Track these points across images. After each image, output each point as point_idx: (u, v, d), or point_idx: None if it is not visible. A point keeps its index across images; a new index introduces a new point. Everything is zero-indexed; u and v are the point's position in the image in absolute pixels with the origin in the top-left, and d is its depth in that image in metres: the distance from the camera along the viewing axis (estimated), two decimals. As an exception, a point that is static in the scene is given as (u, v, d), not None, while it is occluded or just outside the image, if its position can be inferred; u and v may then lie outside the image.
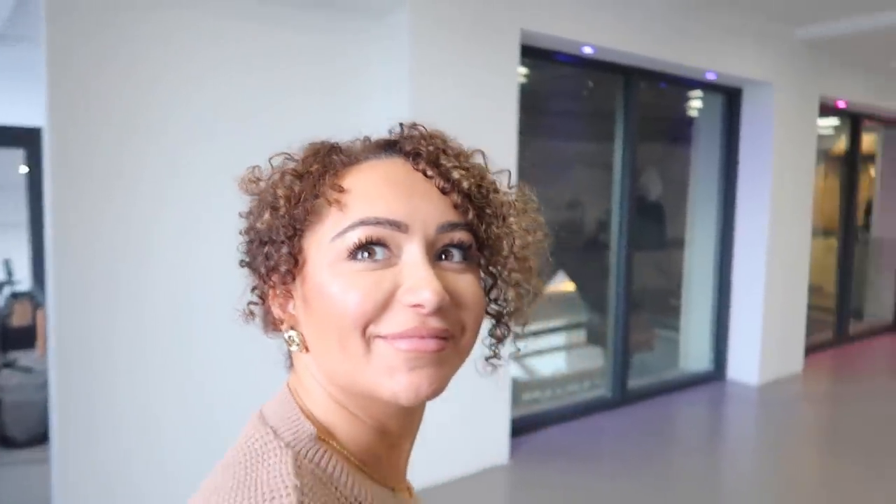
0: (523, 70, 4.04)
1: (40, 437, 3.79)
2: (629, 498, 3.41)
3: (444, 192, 0.55)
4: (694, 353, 5.61)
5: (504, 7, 3.43)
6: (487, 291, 0.61)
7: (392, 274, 0.52)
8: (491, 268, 0.60)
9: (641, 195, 5.45)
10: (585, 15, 3.81)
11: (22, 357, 5.16)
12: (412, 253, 0.52)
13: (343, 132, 2.63)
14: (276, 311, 0.58)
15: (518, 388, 4.81)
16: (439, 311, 0.51)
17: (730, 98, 5.32)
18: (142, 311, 2.71)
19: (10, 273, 5.70)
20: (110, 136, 2.60)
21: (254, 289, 0.59)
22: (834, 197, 6.85)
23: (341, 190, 0.53)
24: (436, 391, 0.53)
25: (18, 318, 6.03)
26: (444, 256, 0.55)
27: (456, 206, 0.55)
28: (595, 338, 5.09)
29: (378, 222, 0.52)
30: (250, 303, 0.59)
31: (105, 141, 2.58)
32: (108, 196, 2.61)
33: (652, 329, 5.78)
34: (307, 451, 0.51)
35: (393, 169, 0.55)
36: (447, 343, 0.53)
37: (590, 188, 4.99)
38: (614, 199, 4.69)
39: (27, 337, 5.69)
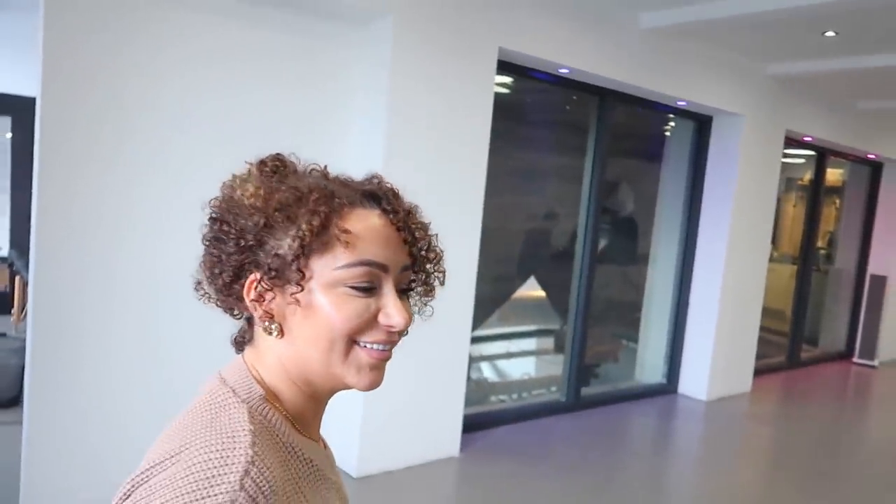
0: (504, 80, 4.24)
1: (12, 400, 3.92)
2: (571, 496, 3.62)
3: (406, 242, 0.78)
4: (649, 366, 5.84)
5: (484, 25, 3.62)
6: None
7: (374, 301, 0.73)
8: (422, 276, 0.83)
9: (615, 209, 5.66)
10: (562, 38, 4.01)
11: (-4, 322, 5.28)
12: (389, 288, 0.74)
13: (322, 129, 2.85)
14: (253, 299, 0.74)
15: (484, 389, 5.01)
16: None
17: (700, 124, 5.56)
18: (114, 281, 2.86)
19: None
20: (99, 109, 2.75)
21: (232, 273, 0.74)
22: (802, 225, 7.14)
23: (348, 232, 0.72)
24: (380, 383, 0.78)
25: (-6, 284, 6.11)
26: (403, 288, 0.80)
27: (410, 253, 0.79)
28: (562, 345, 5.28)
29: (374, 264, 0.72)
30: (227, 282, 0.75)
31: (94, 113, 2.74)
32: (94, 167, 2.76)
33: (618, 340, 6.00)
34: (257, 407, 0.71)
35: (380, 221, 0.75)
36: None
37: (564, 200, 5.19)
38: (581, 212, 4.90)
39: (4, 303, 5.79)
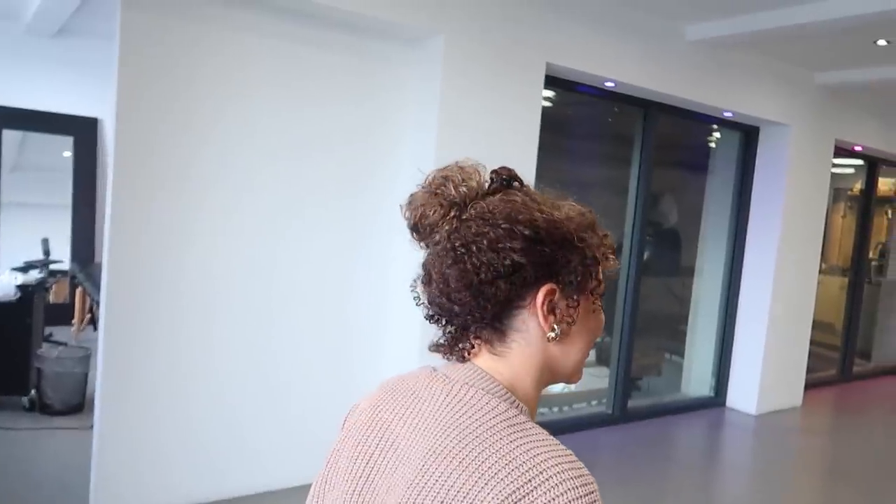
0: (550, 93, 4.29)
1: (76, 407, 4.10)
2: (618, 508, 3.61)
3: None
4: (696, 379, 5.78)
5: (532, 42, 3.69)
6: None
7: None
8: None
9: (659, 221, 5.65)
10: (608, 52, 4.05)
11: (56, 332, 5.50)
12: None
13: (377, 142, 2.96)
14: (547, 309, 0.78)
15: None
16: None
17: (747, 135, 5.51)
18: (181, 297, 2.99)
19: (47, 252, 6.01)
20: (167, 131, 2.90)
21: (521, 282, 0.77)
22: (853, 236, 6.99)
23: (608, 247, 0.83)
24: None
25: (56, 296, 6.38)
26: None
27: None
28: (605, 358, 5.27)
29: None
30: (507, 289, 0.77)
31: (165, 134, 2.89)
32: (163, 184, 2.91)
33: (661, 353, 5.96)
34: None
35: None
36: None
37: (610, 212, 5.20)
38: (627, 224, 4.90)
39: (63, 314, 6.03)
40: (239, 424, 3.19)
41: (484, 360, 0.80)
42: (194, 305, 3.03)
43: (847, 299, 6.91)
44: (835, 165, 5.99)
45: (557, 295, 0.78)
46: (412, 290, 0.83)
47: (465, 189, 0.80)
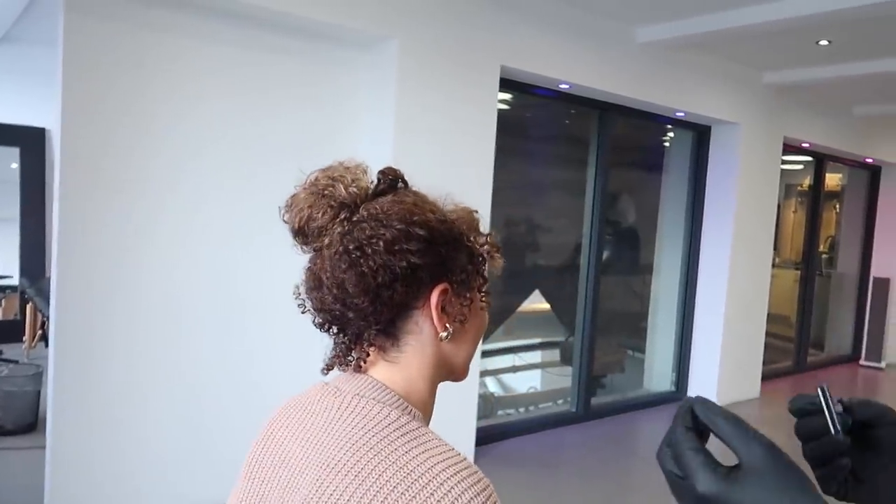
0: (506, 97, 4.32)
1: (28, 427, 3.97)
2: (589, 503, 3.65)
3: None
4: (658, 374, 5.88)
5: (486, 44, 3.71)
6: None
7: None
8: None
9: (617, 220, 5.73)
10: (561, 55, 4.09)
11: (7, 350, 5.32)
12: None
13: (332, 150, 2.91)
14: (440, 309, 0.78)
15: (491, 403, 5.03)
16: None
17: (699, 134, 5.64)
18: (137, 308, 2.92)
19: (-3, 267, 5.81)
20: (116, 141, 2.82)
21: (410, 283, 0.76)
22: (804, 230, 7.19)
23: (491, 245, 0.86)
24: None
25: (6, 312, 6.17)
26: None
27: None
28: (569, 357, 5.32)
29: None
30: (402, 291, 0.76)
31: (112, 145, 2.81)
32: (113, 196, 2.83)
33: (623, 350, 6.04)
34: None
35: None
36: None
37: (567, 212, 5.25)
38: (585, 224, 4.96)
39: (14, 330, 5.84)
40: (198, 438, 3.13)
41: (378, 369, 0.79)
42: (151, 319, 2.96)
43: (800, 292, 7.11)
44: (784, 162, 6.17)
45: (449, 294, 0.78)
46: (296, 298, 0.81)
47: (355, 189, 0.78)
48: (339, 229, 0.75)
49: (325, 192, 0.76)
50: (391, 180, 0.81)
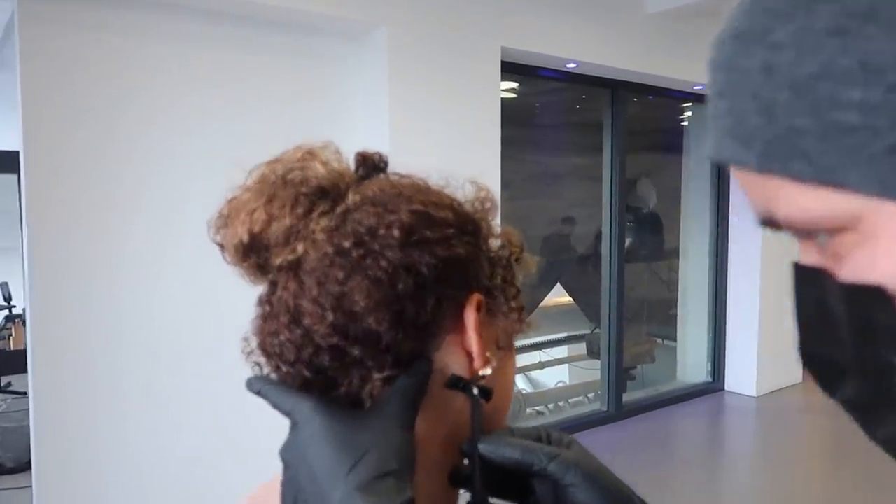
0: (510, 84, 4.06)
1: (28, 464, 3.78)
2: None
3: None
4: (692, 364, 5.57)
5: (483, 26, 3.44)
6: None
7: None
8: None
9: (637, 206, 5.45)
10: (566, 32, 3.81)
11: (15, 382, 5.17)
12: None
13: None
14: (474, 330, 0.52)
15: (518, 401, 4.78)
16: None
17: (720, 108, 5.31)
18: (119, 336, 2.71)
19: (8, 297, 5.70)
20: (89, 154, 2.62)
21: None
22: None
23: None
24: None
25: (17, 342, 6.04)
26: None
27: None
28: (595, 350, 5.07)
29: None
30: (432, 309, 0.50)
31: (83, 158, 2.60)
32: (86, 213, 2.62)
33: (652, 340, 5.76)
34: None
35: None
36: None
37: (585, 200, 5.00)
38: (605, 210, 4.68)
39: (22, 361, 5.70)
40: (186, 472, 2.90)
41: None
42: (134, 345, 2.74)
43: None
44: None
45: (483, 310, 0.52)
46: (247, 356, 0.54)
47: (336, 167, 0.53)
48: (322, 224, 0.50)
49: (289, 177, 0.51)
50: (375, 165, 0.57)
